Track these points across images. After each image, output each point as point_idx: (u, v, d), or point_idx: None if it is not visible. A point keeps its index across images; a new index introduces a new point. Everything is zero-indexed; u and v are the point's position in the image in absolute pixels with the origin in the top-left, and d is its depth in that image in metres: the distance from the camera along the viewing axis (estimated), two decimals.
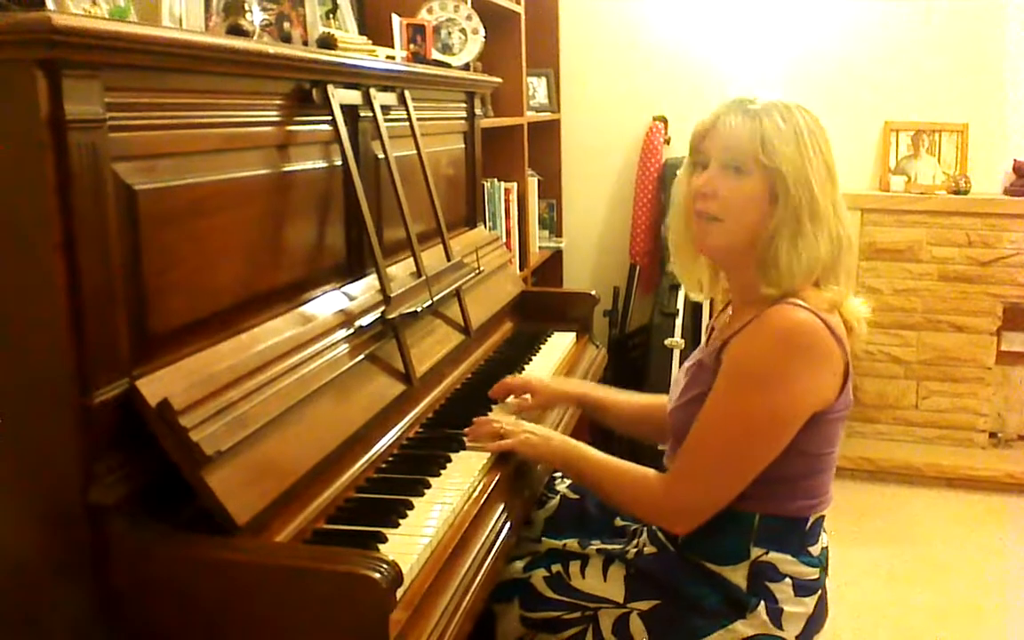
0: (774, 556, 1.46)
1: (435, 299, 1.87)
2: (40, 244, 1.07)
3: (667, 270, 3.70)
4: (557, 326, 2.52)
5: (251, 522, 1.20)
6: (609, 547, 1.61)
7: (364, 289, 1.76)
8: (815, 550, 1.51)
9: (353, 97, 1.75)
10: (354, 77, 1.76)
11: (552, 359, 2.28)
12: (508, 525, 1.51)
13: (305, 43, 2.09)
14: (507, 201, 3.32)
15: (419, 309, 1.78)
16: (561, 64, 4.06)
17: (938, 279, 3.74)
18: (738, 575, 1.47)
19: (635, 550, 1.59)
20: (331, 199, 1.71)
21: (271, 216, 1.52)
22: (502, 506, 1.53)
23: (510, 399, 1.90)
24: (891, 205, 3.72)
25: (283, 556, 1.19)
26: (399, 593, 1.17)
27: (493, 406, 1.87)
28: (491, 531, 1.46)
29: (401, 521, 1.37)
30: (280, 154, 1.54)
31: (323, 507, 1.40)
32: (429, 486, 1.50)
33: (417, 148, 2.01)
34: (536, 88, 3.92)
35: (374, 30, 2.52)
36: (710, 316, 3.66)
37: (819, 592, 1.51)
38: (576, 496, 1.81)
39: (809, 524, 1.49)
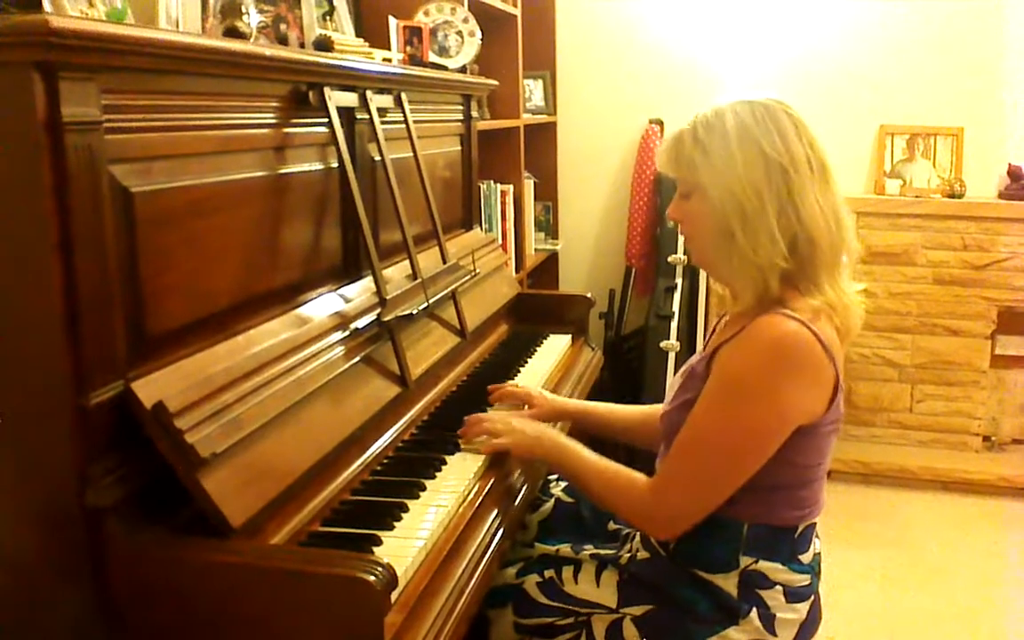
0: (764, 565, 1.46)
1: (431, 301, 1.87)
2: (36, 246, 1.07)
3: (663, 272, 3.71)
4: (553, 328, 2.53)
5: (246, 524, 1.21)
6: (602, 552, 1.62)
7: (360, 291, 1.76)
8: (806, 557, 1.50)
9: (350, 99, 1.75)
10: (351, 79, 1.77)
11: (548, 361, 2.28)
12: (503, 528, 1.51)
13: (302, 45, 2.09)
14: (503, 203, 3.32)
15: (415, 311, 1.78)
16: (557, 67, 4.07)
17: (933, 283, 3.74)
18: (729, 583, 1.47)
19: (628, 555, 1.59)
20: (327, 201, 1.71)
21: (267, 218, 1.52)
22: (497, 509, 1.54)
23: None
24: (886, 209, 3.73)
25: (278, 559, 1.19)
26: (394, 596, 1.17)
27: (490, 407, 1.88)
28: (486, 534, 1.46)
29: (396, 524, 1.37)
30: (276, 156, 1.55)
31: (318, 509, 1.40)
32: (424, 489, 1.50)
33: (413, 150, 2.01)
34: (532, 91, 3.92)
35: (371, 32, 2.52)
36: (706, 319, 3.67)
37: (812, 598, 1.51)
38: (571, 500, 1.81)
39: (799, 532, 1.48)
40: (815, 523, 1.52)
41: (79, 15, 1.43)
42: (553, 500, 1.82)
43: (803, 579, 1.49)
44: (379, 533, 1.33)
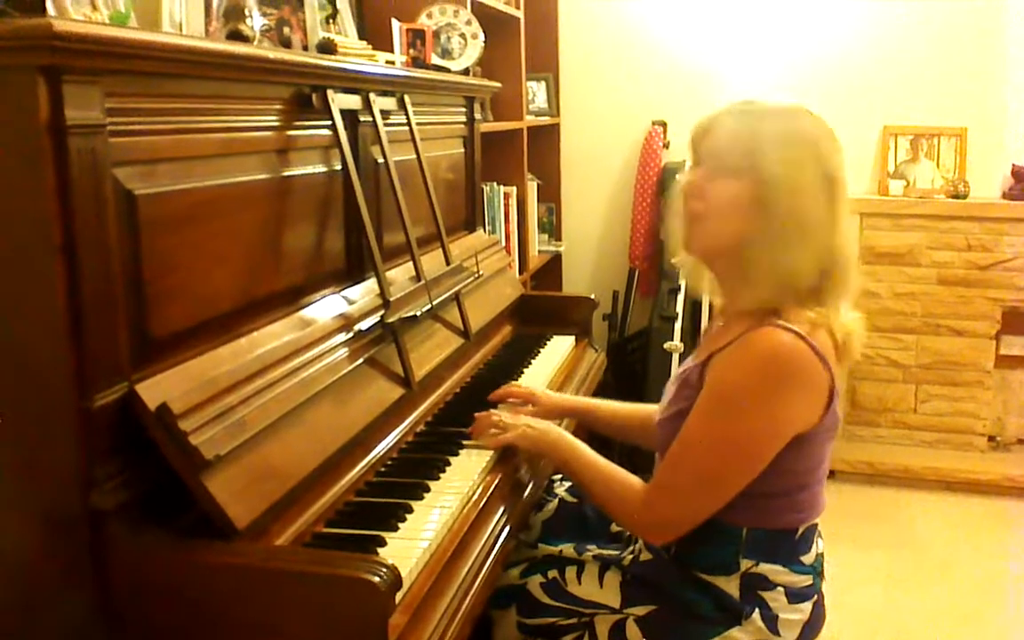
0: (764, 567, 1.46)
1: (434, 303, 1.87)
2: (40, 248, 1.08)
3: (666, 274, 3.70)
4: (556, 330, 2.52)
5: (251, 526, 1.21)
6: (605, 553, 1.62)
7: (363, 293, 1.76)
8: (808, 558, 1.50)
9: (353, 102, 1.75)
10: (354, 82, 1.77)
11: (551, 363, 2.28)
12: (507, 529, 1.51)
13: (305, 48, 2.10)
14: (506, 205, 3.32)
15: (418, 313, 1.78)
16: (560, 68, 4.07)
17: (937, 283, 3.74)
18: (730, 585, 1.47)
19: (631, 556, 1.59)
20: (331, 203, 1.72)
21: (271, 220, 1.52)
22: (501, 509, 1.54)
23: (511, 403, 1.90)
24: (890, 209, 3.73)
25: (283, 560, 1.19)
26: (398, 597, 1.17)
27: (495, 408, 1.88)
28: (490, 535, 1.46)
29: (400, 525, 1.38)
30: (280, 159, 1.55)
31: (322, 511, 1.40)
32: (428, 489, 1.50)
33: (417, 152, 2.01)
34: (535, 92, 3.92)
35: (374, 35, 2.53)
36: (709, 320, 3.66)
37: (815, 598, 1.51)
38: (574, 500, 1.81)
39: (799, 534, 1.48)
40: (816, 524, 1.52)
41: (83, 19, 1.43)
42: (557, 500, 1.82)
43: (805, 580, 1.49)
44: (383, 534, 1.33)
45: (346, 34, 2.46)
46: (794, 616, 1.47)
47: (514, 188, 3.40)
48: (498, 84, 2.75)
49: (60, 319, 1.09)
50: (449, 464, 1.61)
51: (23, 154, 1.06)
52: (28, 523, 1.16)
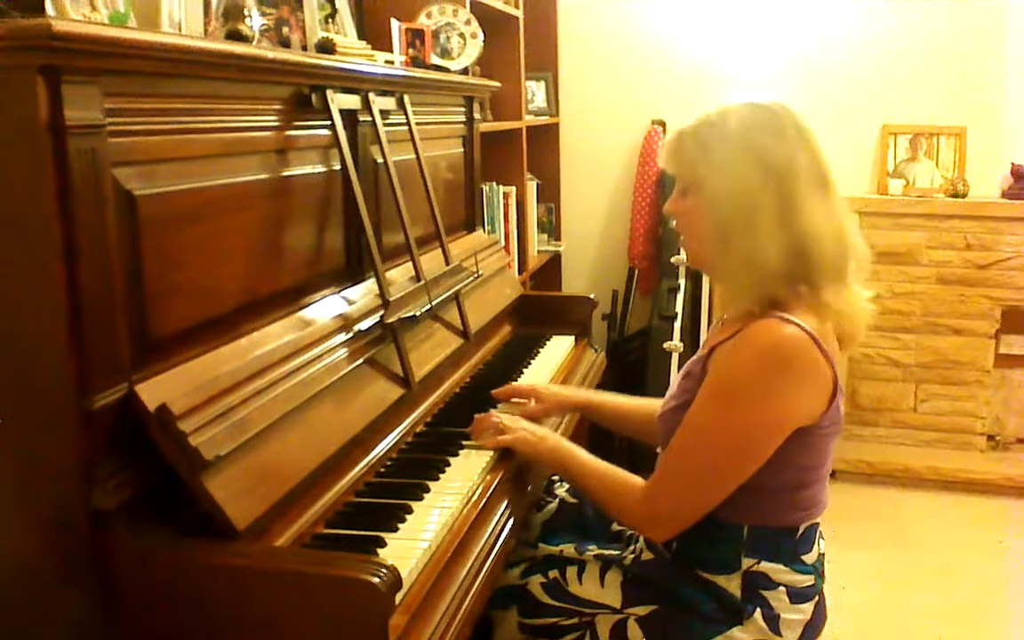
0: (766, 566, 1.46)
1: (434, 303, 1.87)
2: (40, 249, 1.08)
3: (666, 273, 3.70)
4: (556, 330, 2.52)
5: (251, 526, 1.20)
6: (606, 553, 1.62)
7: (363, 293, 1.76)
8: (809, 558, 1.50)
9: (352, 102, 1.75)
10: (353, 82, 1.77)
11: (551, 363, 2.28)
12: (507, 529, 1.51)
13: (304, 48, 2.10)
14: (506, 205, 3.32)
15: (418, 313, 1.78)
16: (560, 68, 4.07)
17: (936, 282, 3.74)
18: (732, 584, 1.47)
19: (632, 556, 1.59)
20: (330, 204, 1.72)
21: (270, 221, 1.52)
22: (501, 510, 1.54)
23: (514, 400, 1.90)
24: (889, 208, 3.73)
25: (283, 561, 1.19)
26: (398, 597, 1.17)
27: (495, 408, 1.88)
28: (490, 535, 1.46)
29: (400, 525, 1.38)
30: (279, 159, 1.55)
31: (322, 511, 1.40)
32: (428, 490, 1.50)
33: (416, 152, 2.01)
34: (535, 92, 3.92)
35: (373, 35, 2.53)
36: (709, 319, 3.67)
37: (816, 598, 1.51)
38: (575, 500, 1.81)
39: (800, 533, 1.48)
40: (818, 523, 1.52)
41: (82, 19, 1.43)
42: (557, 501, 1.82)
43: (806, 579, 1.49)
44: (383, 535, 1.33)
45: (345, 34, 2.46)
46: (796, 616, 1.47)
47: (513, 188, 3.40)
48: (497, 84, 2.75)
49: (60, 319, 1.09)
50: (449, 464, 1.61)
51: (22, 154, 1.06)
52: (29, 523, 1.16)
